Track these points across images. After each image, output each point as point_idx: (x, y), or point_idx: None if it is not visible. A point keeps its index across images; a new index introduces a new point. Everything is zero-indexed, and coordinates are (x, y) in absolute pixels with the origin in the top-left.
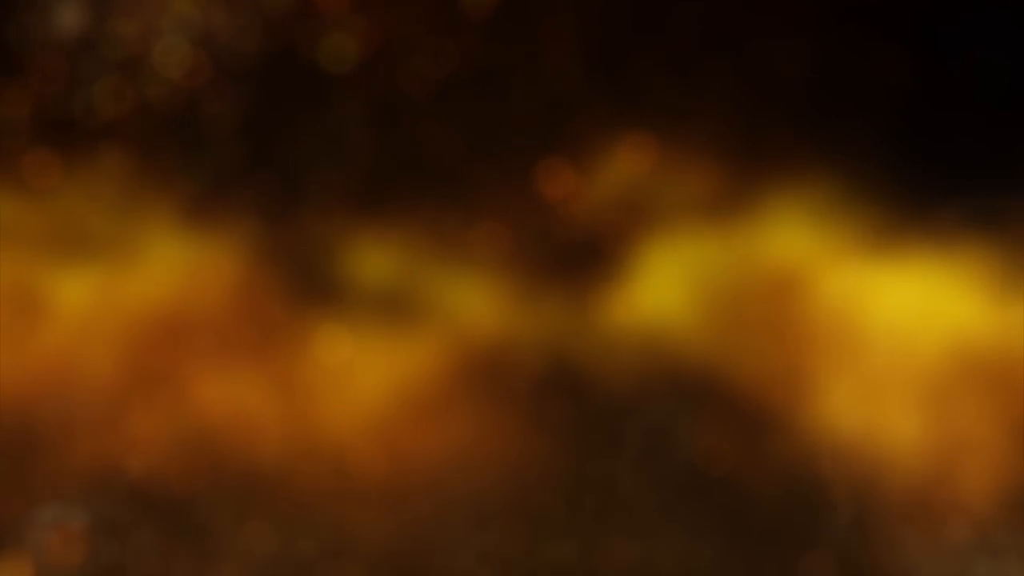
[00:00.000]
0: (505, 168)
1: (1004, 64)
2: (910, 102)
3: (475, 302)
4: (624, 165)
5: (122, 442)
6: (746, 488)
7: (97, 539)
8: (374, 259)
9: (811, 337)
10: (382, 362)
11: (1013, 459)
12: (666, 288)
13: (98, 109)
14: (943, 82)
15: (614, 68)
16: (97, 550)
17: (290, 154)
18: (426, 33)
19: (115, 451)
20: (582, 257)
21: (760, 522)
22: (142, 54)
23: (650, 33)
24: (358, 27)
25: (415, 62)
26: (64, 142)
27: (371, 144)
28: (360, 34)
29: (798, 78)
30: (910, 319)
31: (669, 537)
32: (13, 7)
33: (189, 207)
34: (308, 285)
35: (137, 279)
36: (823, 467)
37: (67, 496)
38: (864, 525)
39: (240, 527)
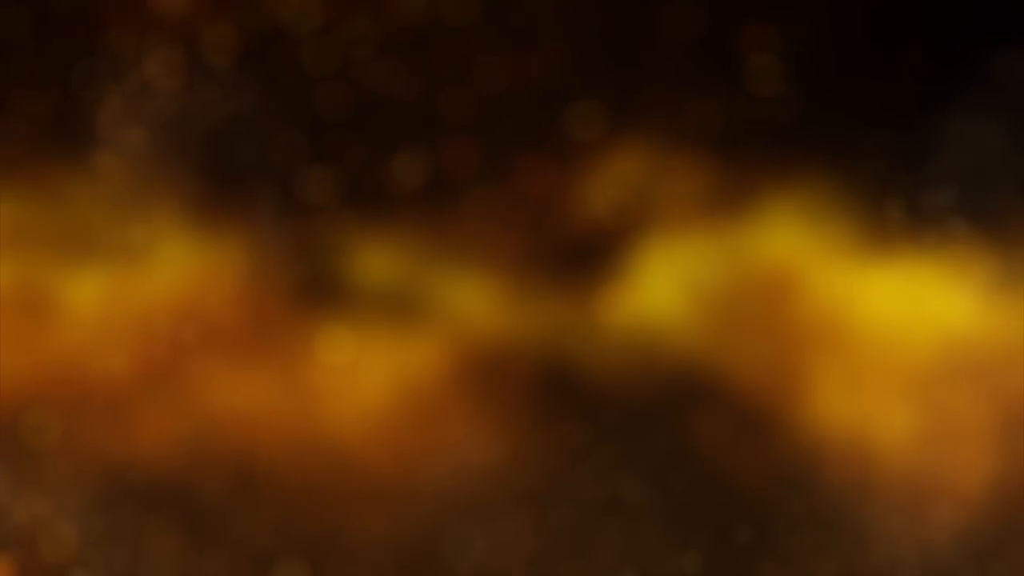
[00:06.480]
0: (504, 168)
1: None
2: (906, 103)
3: (475, 302)
4: (623, 165)
5: (129, 441)
6: (743, 485)
7: (102, 537)
8: (375, 259)
9: (811, 336)
10: (383, 362)
11: (1004, 453)
12: (665, 288)
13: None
14: (936, 81)
15: (611, 67)
16: (102, 548)
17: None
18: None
19: (122, 450)
20: (582, 257)
21: (757, 519)
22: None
23: (647, 31)
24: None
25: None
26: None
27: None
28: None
29: (797, 78)
30: (906, 317)
31: (668, 537)
32: None
33: (195, 207)
34: (309, 285)
35: (142, 279)
36: (820, 464)
37: (72, 494)
38: (857, 520)
39: (242, 525)
